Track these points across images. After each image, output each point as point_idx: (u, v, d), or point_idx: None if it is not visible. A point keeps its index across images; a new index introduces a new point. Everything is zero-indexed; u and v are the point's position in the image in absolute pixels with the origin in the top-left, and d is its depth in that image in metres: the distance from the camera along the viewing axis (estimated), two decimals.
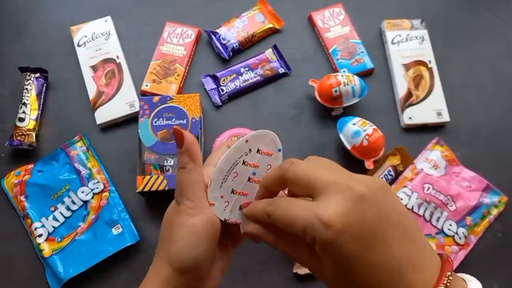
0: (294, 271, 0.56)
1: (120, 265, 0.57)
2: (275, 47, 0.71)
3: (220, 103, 0.68)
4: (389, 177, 0.62)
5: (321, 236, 0.24)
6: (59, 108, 0.67)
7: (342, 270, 0.25)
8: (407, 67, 0.70)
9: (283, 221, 0.27)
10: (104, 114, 0.64)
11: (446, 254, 0.26)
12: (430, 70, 0.70)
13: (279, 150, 0.34)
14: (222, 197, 0.32)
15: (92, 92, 0.66)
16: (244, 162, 0.33)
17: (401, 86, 0.68)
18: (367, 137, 0.60)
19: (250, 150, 0.33)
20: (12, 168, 0.60)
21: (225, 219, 0.32)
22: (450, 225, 0.59)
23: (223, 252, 0.34)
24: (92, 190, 0.59)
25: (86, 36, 0.69)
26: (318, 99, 0.65)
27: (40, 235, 0.56)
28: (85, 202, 0.58)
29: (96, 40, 0.69)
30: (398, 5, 0.76)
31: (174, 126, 0.33)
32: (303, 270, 0.56)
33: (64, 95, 0.68)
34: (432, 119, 0.66)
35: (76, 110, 0.66)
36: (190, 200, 0.31)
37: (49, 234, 0.57)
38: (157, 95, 0.63)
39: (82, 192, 0.59)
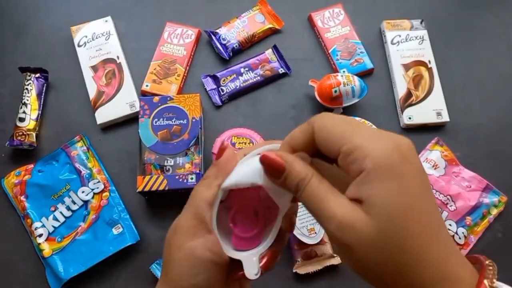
0: (294, 271, 0.56)
1: (120, 265, 0.57)
2: (275, 47, 0.71)
3: (220, 103, 0.68)
4: None
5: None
6: (60, 108, 0.67)
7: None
8: (406, 67, 0.70)
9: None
10: (104, 114, 0.64)
11: (484, 259, 0.23)
12: (429, 70, 0.70)
13: None
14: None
15: (92, 92, 0.66)
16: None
17: (401, 86, 0.68)
18: None
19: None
20: (12, 168, 0.61)
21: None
22: (450, 225, 0.60)
23: (236, 283, 0.30)
24: (92, 190, 0.59)
25: (86, 36, 0.69)
26: (318, 99, 0.65)
27: (40, 235, 0.56)
28: (86, 202, 0.59)
29: (96, 40, 0.69)
30: (397, 5, 0.77)
31: (225, 142, 0.28)
32: (302, 269, 0.56)
33: (64, 95, 0.68)
34: (431, 119, 0.67)
35: (77, 110, 0.66)
36: (194, 218, 0.27)
37: (49, 234, 0.57)
38: (157, 95, 0.64)
39: (83, 192, 0.59)
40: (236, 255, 0.27)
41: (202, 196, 0.27)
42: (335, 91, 0.63)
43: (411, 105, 0.67)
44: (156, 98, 0.60)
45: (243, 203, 0.28)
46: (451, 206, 0.61)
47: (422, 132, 0.67)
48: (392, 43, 0.71)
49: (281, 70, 0.70)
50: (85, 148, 0.62)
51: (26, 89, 0.65)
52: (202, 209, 0.27)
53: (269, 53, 0.71)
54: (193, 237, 0.26)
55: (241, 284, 0.30)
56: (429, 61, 0.70)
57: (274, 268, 0.29)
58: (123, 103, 0.65)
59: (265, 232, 0.29)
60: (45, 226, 0.57)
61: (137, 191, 0.56)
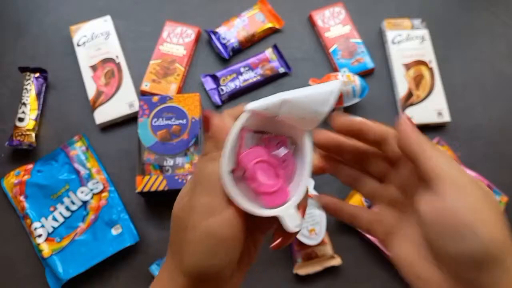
0: (294, 271, 0.56)
1: (120, 265, 0.57)
2: (275, 47, 0.71)
3: (220, 103, 0.67)
4: None
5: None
6: (59, 108, 0.67)
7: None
8: (407, 67, 0.69)
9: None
10: (103, 114, 0.64)
11: None
12: (430, 70, 0.70)
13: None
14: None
15: (91, 92, 0.66)
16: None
17: (402, 86, 0.68)
18: None
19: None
20: (11, 168, 0.60)
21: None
22: None
23: (250, 246, 0.29)
24: (91, 190, 0.59)
25: (85, 36, 0.69)
26: None
27: (39, 235, 0.56)
28: (85, 202, 0.58)
29: (95, 40, 0.69)
30: (398, 5, 0.76)
31: (205, 112, 0.28)
32: (303, 270, 0.56)
33: (63, 95, 0.67)
34: (432, 119, 0.66)
35: (76, 110, 0.66)
36: (207, 195, 0.25)
37: (49, 234, 0.56)
38: (156, 95, 0.63)
39: (82, 192, 0.59)
40: (273, 212, 0.26)
41: (209, 170, 0.25)
42: None
43: (412, 105, 0.67)
44: (155, 98, 0.60)
45: (256, 163, 0.27)
46: None
47: (423, 132, 0.66)
48: (393, 43, 0.71)
49: (281, 70, 0.69)
50: (84, 148, 0.62)
51: (26, 89, 0.65)
52: (213, 183, 0.25)
53: (269, 53, 0.70)
54: (210, 216, 0.25)
55: (255, 244, 0.30)
56: (430, 61, 0.70)
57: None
58: (122, 102, 0.65)
59: (290, 183, 0.28)
60: (44, 226, 0.57)
61: (136, 191, 0.55)
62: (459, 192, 0.24)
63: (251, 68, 0.69)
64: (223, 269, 0.25)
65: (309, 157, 0.27)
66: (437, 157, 0.26)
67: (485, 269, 0.23)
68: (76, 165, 0.61)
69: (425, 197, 0.25)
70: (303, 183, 0.27)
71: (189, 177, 0.56)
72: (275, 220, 0.26)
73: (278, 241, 0.28)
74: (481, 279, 0.23)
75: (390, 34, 0.72)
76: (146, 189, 0.55)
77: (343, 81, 0.63)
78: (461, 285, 0.24)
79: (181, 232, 0.26)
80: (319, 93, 0.25)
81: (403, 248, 0.27)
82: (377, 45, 0.73)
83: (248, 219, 0.26)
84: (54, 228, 0.57)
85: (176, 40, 0.70)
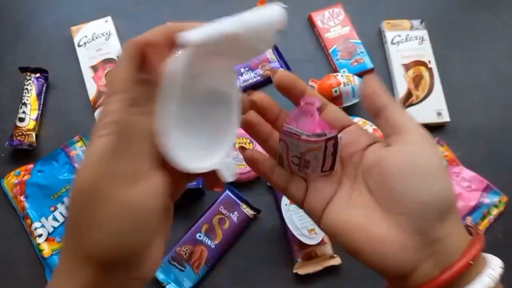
0: (294, 271, 0.56)
1: None
2: (275, 47, 0.71)
3: None
4: None
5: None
6: (59, 108, 0.67)
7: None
8: (407, 67, 0.70)
9: None
10: None
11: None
12: (430, 70, 0.70)
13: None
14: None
15: (92, 92, 0.66)
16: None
17: (401, 86, 0.68)
18: None
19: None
20: (12, 168, 0.60)
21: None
22: None
23: (170, 207, 0.25)
24: None
25: (86, 36, 0.69)
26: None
27: (40, 235, 0.56)
28: None
29: (96, 40, 0.69)
30: (397, 5, 0.76)
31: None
32: (303, 270, 0.56)
33: (64, 95, 0.68)
34: (432, 119, 0.66)
35: (76, 110, 0.66)
36: (132, 158, 0.20)
37: (49, 234, 0.57)
38: None
39: None
40: (213, 165, 0.24)
41: (142, 126, 0.21)
42: (335, 91, 0.63)
43: (411, 105, 0.67)
44: None
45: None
46: None
47: None
48: (392, 43, 0.71)
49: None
50: (84, 148, 0.62)
51: (26, 89, 0.65)
52: (143, 143, 0.21)
53: (269, 53, 0.71)
54: (131, 184, 0.20)
55: (169, 219, 0.25)
56: (429, 61, 0.70)
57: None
58: None
59: (222, 129, 0.26)
60: (44, 226, 0.57)
61: None
62: (424, 142, 0.25)
63: (251, 68, 0.69)
64: (143, 249, 0.21)
65: (238, 95, 0.26)
66: (401, 109, 0.27)
67: (444, 218, 0.23)
68: (77, 165, 0.61)
69: (395, 146, 0.25)
70: (235, 125, 0.26)
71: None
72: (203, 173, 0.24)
73: (216, 188, 0.27)
74: (439, 229, 0.23)
75: (389, 35, 0.72)
76: None
77: (344, 81, 0.63)
78: (417, 238, 0.23)
79: (88, 209, 0.20)
80: (265, 21, 0.23)
81: (352, 213, 0.26)
82: (377, 45, 0.73)
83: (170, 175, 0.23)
84: (55, 228, 0.57)
85: None
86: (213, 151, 0.25)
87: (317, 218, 0.27)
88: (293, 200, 0.29)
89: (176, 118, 0.22)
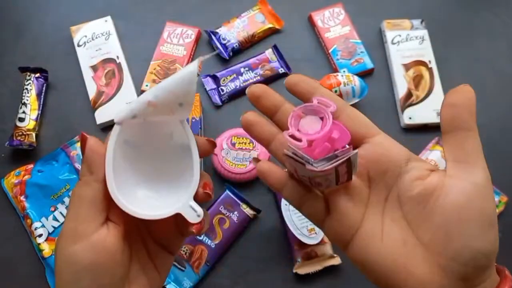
0: (294, 271, 0.56)
1: None
2: (275, 47, 0.71)
3: (220, 103, 0.68)
4: None
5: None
6: (59, 108, 0.67)
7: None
8: (407, 67, 0.70)
9: None
10: (104, 114, 0.64)
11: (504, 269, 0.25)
12: (430, 70, 0.70)
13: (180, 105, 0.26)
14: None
15: (92, 92, 0.66)
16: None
17: (401, 86, 0.68)
18: None
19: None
20: (12, 168, 0.60)
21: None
22: None
23: (146, 262, 0.28)
24: None
25: (86, 36, 0.69)
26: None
27: (40, 235, 0.56)
28: None
29: (96, 40, 0.69)
30: (398, 5, 0.76)
31: (82, 131, 0.28)
32: (303, 270, 0.56)
33: (64, 95, 0.68)
34: (432, 119, 0.66)
35: (76, 110, 0.66)
36: (73, 221, 0.25)
37: (49, 234, 0.57)
38: None
39: None
40: (174, 210, 0.26)
41: (79, 194, 0.25)
42: (335, 91, 0.63)
43: (411, 105, 0.67)
44: None
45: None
46: None
47: (422, 132, 0.66)
48: (392, 43, 0.71)
49: (281, 70, 0.70)
50: None
51: (26, 89, 0.65)
52: (82, 208, 0.25)
53: (269, 53, 0.71)
54: (73, 241, 0.24)
55: (150, 271, 0.29)
56: (430, 61, 0.70)
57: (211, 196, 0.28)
58: (123, 103, 0.65)
59: (183, 172, 0.28)
60: (45, 226, 0.57)
61: None
62: (489, 184, 0.22)
63: (251, 68, 0.69)
64: None
65: (193, 142, 0.27)
66: (478, 139, 0.24)
67: (487, 266, 0.23)
68: (77, 165, 0.61)
69: (458, 181, 0.22)
70: (196, 170, 0.27)
71: None
72: (172, 219, 0.27)
73: (195, 230, 0.27)
74: (483, 275, 0.23)
75: (389, 35, 0.72)
76: None
77: (344, 81, 0.63)
78: (461, 284, 0.22)
79: (55, 258, 0.25)
80: (180, 79, 0.25)
81: (388, 247, 0.23)
82: (377, 45, 0.73)
83: (137, 233, 0.27)
84: (55, 228, 0.57)
85: (177, 41, 0.70)
86: (176, 197, 0.27)
87: (343, 245, 0.25)
88: (311, 220, 0.26)
89: (122, 176, 0.26)
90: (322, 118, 0.25)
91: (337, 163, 0.22)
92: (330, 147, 0.24)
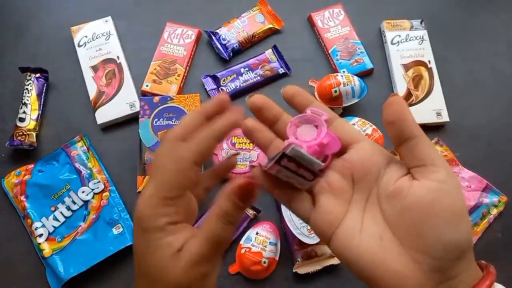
0: (294, 270, 0.56)
1: (121, 264, 0.57)
2: (275, 48, 0.71)
3: None
4: None
5: None
6: (60, 108, 0.67)
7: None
8: (406, 67, 0.70)
9: None
10: (104, 114, 0.64)
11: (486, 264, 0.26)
12: (429, 70, 0.70)
13: None
14: None
15: (92, 92, 0.66)
16: None
17: (401, 86, 0.68)
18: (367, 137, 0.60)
19: None
20: (12, 168, 0.61)
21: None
22: None
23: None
24: (92, 190, 0.59)
25: (86, 37, 0.69)
26: (318, 99, 0.65)
27: (40, 235, 0.56)
28: (86, 202, 0.59)
29: (96, 41, 0.69)
30: (397, 6, 0.77)
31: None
32: (302, 269, 0.56)
33: (64, 95, 0.68)
34: (431, 119, 0.67)
35: (77, 110, 0.66)
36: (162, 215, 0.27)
37: (50, 234, 0.57)
38: (157, 95, 0.64)
39: (83, 192, 0.59)
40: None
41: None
42: (335, 91, 0.63)
43: (411, 105, 0.67)
44: (156, 98, 0.60)
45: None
46: None
47: None
48: (392, 43, 0.71)
49: (281, 70, 0.70)
50: (85, 148, 0.62)
51: (26, 89, 0.65)
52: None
53: (269, 53, 0.71)
54: (169, 234, 0.26)
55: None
56: (429, 61, 0.70)
57: None
58: (123, 103, 0.65)
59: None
60: (45, 226, 0.57)
61: (137, 191, 0.56)
62: (453, 181, 0.24)
63: (251, 68, 0.69)
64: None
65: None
66: (429, 141, 0.25)
67: (463, 257, 0.23)
68: (77, 165, 0.61)
69: (423, 181, 0.24)
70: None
71: None
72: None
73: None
74: (457, 267, 0.23)
75: (389, 35, 0.72)
76: None
77: (344, 81, 0.63)
78: (435, 276, 0.23)
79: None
80: None
81: (366, 242, 0.24)
82: (377, 45, 0.73)
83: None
84: (55, 228, 0.57)
85: (177, 41, 0.70)
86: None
87: (326, 239, 0.26)
88: (299, 217, 0.28)
89: None
90: (316, 126, 0.27)
91: (274, 159, 0.24)
92: (319, 151, 0.26)
